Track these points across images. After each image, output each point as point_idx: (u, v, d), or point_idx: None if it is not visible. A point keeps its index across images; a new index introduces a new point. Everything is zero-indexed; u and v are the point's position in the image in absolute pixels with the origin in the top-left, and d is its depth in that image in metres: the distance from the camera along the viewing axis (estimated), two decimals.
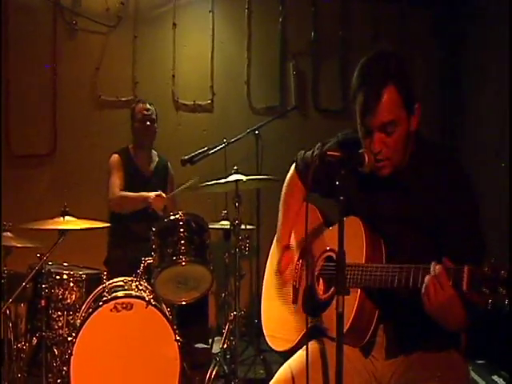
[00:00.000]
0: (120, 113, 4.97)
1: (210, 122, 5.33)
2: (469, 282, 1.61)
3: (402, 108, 1.90)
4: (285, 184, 2.44)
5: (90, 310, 3.18)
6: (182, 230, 3.45)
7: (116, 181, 4.12)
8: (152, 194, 3.97)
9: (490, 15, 5.07)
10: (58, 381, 3.26)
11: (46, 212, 3.51)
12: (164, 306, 3.37)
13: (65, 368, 3.16)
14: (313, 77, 5.52)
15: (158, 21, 5.23)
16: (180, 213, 3.53)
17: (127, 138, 4.32)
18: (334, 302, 1.96)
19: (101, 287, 3.39)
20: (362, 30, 5.54)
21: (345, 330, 1.77)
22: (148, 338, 3.18)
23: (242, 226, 3.76)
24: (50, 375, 3.28)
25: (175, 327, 3.23)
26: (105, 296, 3.22)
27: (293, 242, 2.37)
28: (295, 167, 2.41)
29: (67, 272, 3.49)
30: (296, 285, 2.25)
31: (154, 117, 4.24)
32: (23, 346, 3.41)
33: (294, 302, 2.25)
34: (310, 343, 2.01)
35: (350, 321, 1.88)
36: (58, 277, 3.45)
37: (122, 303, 3.16)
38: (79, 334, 3.08)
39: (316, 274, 2.15)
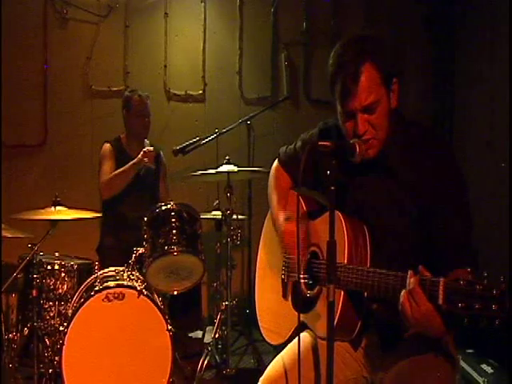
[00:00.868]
0: (111, 103, 4.95)
1: (202, 112, 5.32)
2: (444, 296, 1.57)
3: (381, 85, 1.89)
4: (270, 177, 2.43)
5: (82, 300, 3.17)
6: (173, 219, 3.46)
7: (107, 169, 4.08)
8: (140, 155, 3.94)
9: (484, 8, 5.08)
10: (50, 371, 3.26)
11: (38, 202, 3.50)
12: (156, 295, 3.37)
13: (56, 358, 3.16)
14: (305, 67, 5.51)
15: (150, 10, 5.19)
16: (172, 203, 3.54)
17: (119, 127, 4.30)
18: (319, 300, 1.98)
19: (92, 277, 3.39)
20: (353, 20, 5.52)
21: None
22: (140, 328, 3.17)
23: (234, 217, 3.77)
24: (41, 365, 3.28)
25: (167, 317, 3.22)
26: (96, 286, 3.21)
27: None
28: (278, 160, 2.41)
29: (58, 262, 3.49)
30: (285, 279, 2.25)
31: (149, 110, 4.21)
32: (14, 336, 3.41)
33: (284, 296, 2.26)
34: (302, 334, 2.01)
35: (336, 319, 1.85)
36: (49, 267, 3.45)
37: (114, 293, 3.15)
38: (71, 324, 3.08)
39: (302, 270, 2.13)
